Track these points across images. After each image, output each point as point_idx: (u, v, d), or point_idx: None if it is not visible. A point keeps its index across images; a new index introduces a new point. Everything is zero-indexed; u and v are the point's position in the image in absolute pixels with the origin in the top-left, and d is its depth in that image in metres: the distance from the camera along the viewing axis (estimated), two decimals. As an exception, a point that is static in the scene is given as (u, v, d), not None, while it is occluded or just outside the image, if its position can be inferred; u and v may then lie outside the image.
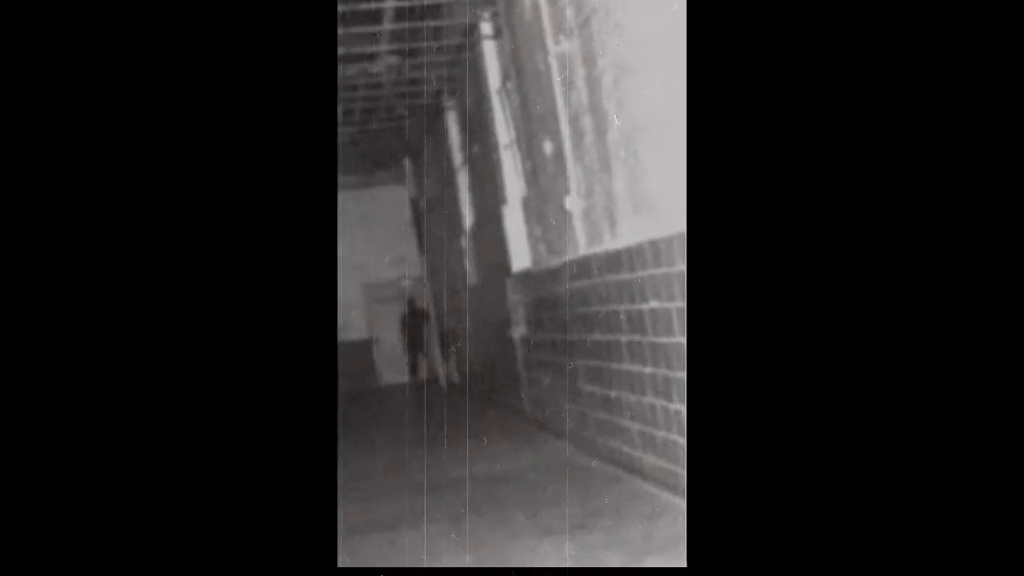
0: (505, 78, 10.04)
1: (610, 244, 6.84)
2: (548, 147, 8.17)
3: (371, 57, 11.41)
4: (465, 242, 14.00)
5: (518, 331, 10.40)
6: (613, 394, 7.16)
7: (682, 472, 5.83)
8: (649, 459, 6.52)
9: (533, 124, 8.60)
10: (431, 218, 17.53)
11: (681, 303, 5.52)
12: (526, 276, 9.84)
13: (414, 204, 18.72)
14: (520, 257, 10.22)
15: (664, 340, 5.92)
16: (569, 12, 7.04)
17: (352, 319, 19.80)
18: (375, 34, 10.55)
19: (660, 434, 6.22)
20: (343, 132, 14.84)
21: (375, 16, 10.06)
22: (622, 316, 6.68)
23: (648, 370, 6.29)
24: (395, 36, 10.85)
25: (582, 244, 7.57)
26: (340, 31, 9.59)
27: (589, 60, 6.77)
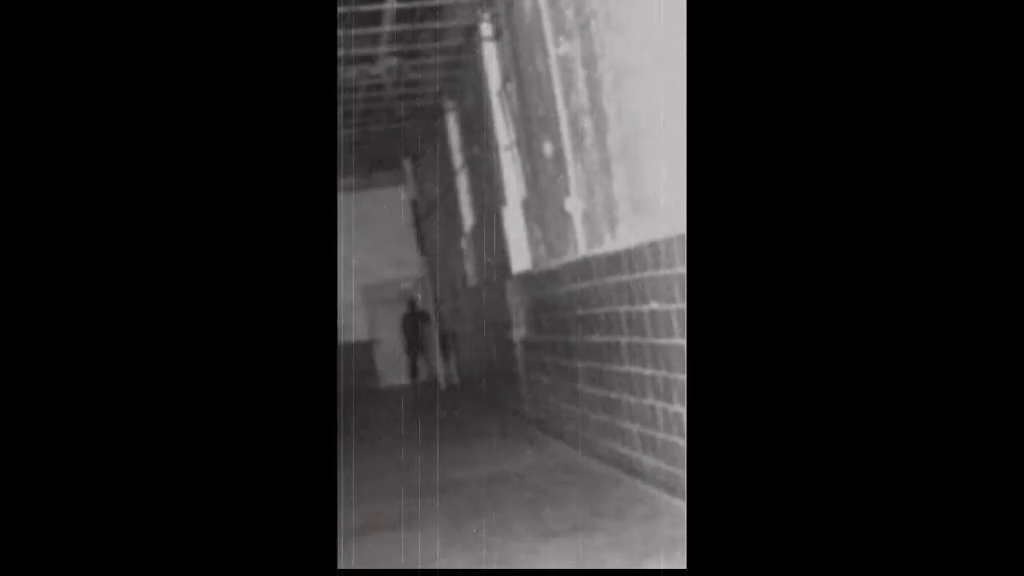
0: (505, 80, 10.04)
1: (610, 246, 6.84)
2: (548, 149, 8.17)
3: (371, 59, 11.41)
4: (465, 243, 14.00)
5: (518, 333, 10.40)
6: (613, 396, 7.16)
7: (682, 474, 5.83)
8: (649, 461, 6.52)
9: (533, 126, 8.60)
10: (431, 220, 17.54)
11: (681, 305, 5.53)
12: (526, 278, 9.84)
13: (414, 206, 18.74)
14: (520, 259, 10.22)
15: (664, 342, 5.92)
16: (570, 14, 7.04)
17: (352, 320, 19.81)
18: (375, 36, 10.56)
19: (660, 436, 6.22)
20: (343, 134, 14.85)
21: (375, 18, 10.06)
22: (622, 318, 6.68)
23: (648, 372, 6.29)
24: (395, 38, 10.86)
25: (582, 246, 7.57)
26: (340, 33, 9.59)
27: (590, 62, 6.77)
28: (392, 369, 20.13)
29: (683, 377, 5.65)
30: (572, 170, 7.58)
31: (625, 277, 6.51)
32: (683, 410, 5.72)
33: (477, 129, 11.74)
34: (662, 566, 4.75)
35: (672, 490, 6.05)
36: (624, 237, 6.54)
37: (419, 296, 19.15)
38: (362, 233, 19.53)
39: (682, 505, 5.78)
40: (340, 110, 13.13)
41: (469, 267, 13.94)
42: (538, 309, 9.39)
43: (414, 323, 18.54)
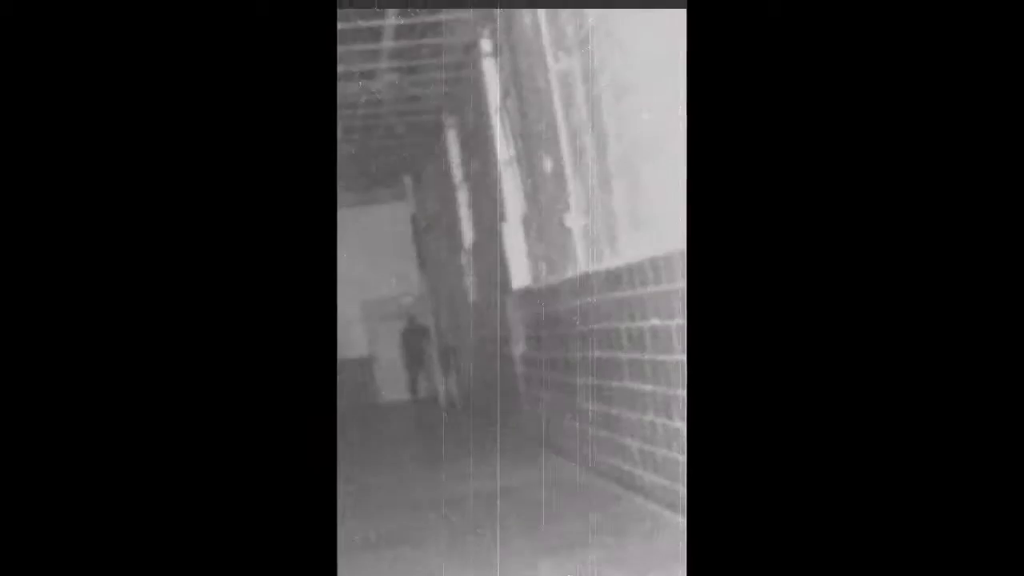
0: (505, 95, 10.06)
1: (610, 261, 6.84)
2: (548, 164, 8.19)
3: (371, 75, 11.44)
4: (465, 259, 14.01)
5: (518, 348, 10.40)
6: (613, 411, 7.15)
7: (682, 490, 5.82)
8: (649, 477, 6.51)
9: (533, 141, 8.62)
10: (431, 235, 17.55)
11: (681, 320, 5.52)
12: (526, 293, 9.84)
13: (414, 221, 18.74)
14: (520, 274, 10.23)
15: (664, 358, 5.92)
16: (569, 30, 7.06)
17: (352, 336, 19.79)
18: (375, 52, 10.58)
19: (660, 452, 6.21)
20: (343, 149, 14.86)
21: (375, 34, 10.09)
22: (623, 333, 6.68)
23: (648, 388, 6.29)
24: (395, 54, 10.88)
25: (582, 262, 7.57)
26: (340, 49, 9.61)
27: (589, 78, 6.78)
28: (392, 385, 20.10)
29: (683, 393, 5.64)
30: (572, 186, 7.59)
31: (625, 293, 6.51)
32: (683, 426, 5.71)
33: (477, 145, 11.77)
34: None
35: (671, 506, 6.04)
36: (624, 252, 6.55)
37: (419, 312, 19.15)
38: (362, 249, 19.53)
39: (681, 521, 5.76)
40: (340, 125, 13.16)
41: (469, 283, 13.94)
42: (538, 325, 9.39)
43: (414, 339, 18.54)
